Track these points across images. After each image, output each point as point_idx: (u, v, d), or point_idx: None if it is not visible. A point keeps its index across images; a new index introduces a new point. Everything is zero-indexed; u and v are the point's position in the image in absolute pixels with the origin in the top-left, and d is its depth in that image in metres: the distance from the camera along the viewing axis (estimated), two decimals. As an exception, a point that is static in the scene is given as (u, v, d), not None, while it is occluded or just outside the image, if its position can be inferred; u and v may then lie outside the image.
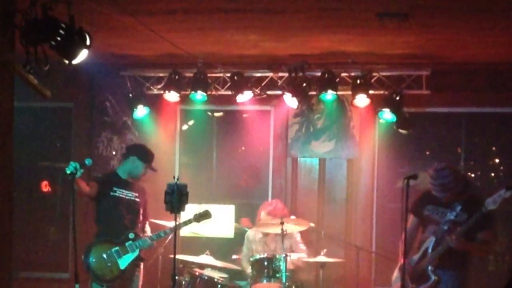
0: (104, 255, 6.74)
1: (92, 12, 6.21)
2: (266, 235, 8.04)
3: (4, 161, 4.63)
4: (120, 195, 6.97)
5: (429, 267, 6.29)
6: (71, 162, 6.17)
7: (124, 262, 6.81)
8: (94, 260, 6.76)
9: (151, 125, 9.10)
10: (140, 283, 7.13)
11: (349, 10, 6.30)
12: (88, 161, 6.56)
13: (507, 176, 9.05)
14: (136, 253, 6.88)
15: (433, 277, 6.28)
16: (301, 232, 8.03)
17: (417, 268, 6.33)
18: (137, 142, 9.02)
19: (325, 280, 7.79)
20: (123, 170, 7.13)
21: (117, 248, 6.79)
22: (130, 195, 7.03)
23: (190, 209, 7.75)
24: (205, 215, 7.23)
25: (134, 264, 6.93)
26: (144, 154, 7.21)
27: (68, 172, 6.09)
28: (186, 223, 7.13)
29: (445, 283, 6.30)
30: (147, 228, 7.24)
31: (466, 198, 6.25)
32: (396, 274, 6.71)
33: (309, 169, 9.01)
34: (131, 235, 6.86)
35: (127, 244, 6.84)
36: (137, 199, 7.06)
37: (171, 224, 7.16)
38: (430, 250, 6.32)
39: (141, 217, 7.11)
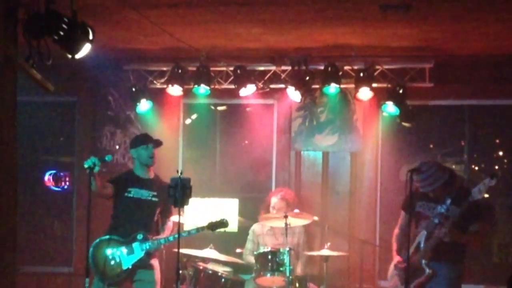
0: (109, 254, 6.66)
1: (94, 6, 6.22)
2: (274, 226, 8.05)
3: (7, 155, 4.64)
4: (135, 196, 6.84)
5: (423, 261, 6.32)
6: (91, 157, 6.28)
7: (127, 262, 6.71)
8: (98, 257, 6.68)
9: (154, 119, 9.09)
10: (154, 277, 6.92)
11: (352, 3, 6.30)
12: (108, 158, 6.59)
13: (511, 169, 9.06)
14: (141, 254, 6.72)
15: (427, 270, 6.31)
16: (305, 226, 8.03)
17: (411, 263, 6.33)
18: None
19: (329, 274, 7.79)
20: (137, 167, 6.98)
21: (123, 247, 6.70)
22: (146, 194, 6.87)
23: (194, 203, 7.81)
24: (220, 224, 6.87)
25: (138, 265, 6.76)
26: (136, 139, 7.12)
27: (86, 166, 6.20)
28: (199, 230, 6.85)
29: (440, 275, 6.33)
30: (169, 225, 7.07)
31: (456, 192, 6.28)
32: (390, 270, 6.76)
33: (313, 163, 9.00)
34: (139, 236, 6.72)
35: (133, 244, 6.73)
36: (154, 199, 6.89)
37: (173, 218, 7.17)
38: (422, 244, 6.35)
39: (155, 217, 6.94)
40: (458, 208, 6.18)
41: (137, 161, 6.97)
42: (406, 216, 6.61)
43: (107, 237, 6.76)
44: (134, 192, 6.86)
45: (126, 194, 6.86)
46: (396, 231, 6.82)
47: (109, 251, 6.65)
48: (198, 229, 6.86)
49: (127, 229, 6.76)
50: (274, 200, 8.01)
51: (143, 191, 6.89)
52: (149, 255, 6.78)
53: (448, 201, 6.26)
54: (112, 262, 6.67)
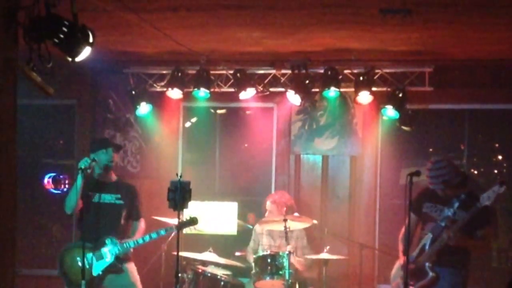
0: (78, 260, 6.59)
1: (95, 9, 6.21)
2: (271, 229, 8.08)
3: (7, 158, 4.63)
4: (98, 201, 6.81)
5: (427, 264, 6.30)
6: (85, 158, 6.43)
7: (97, 268, 6.69)
8: (68, 264, 6.68)
9: (154, 122, 9.11)
10: (130, 280, 6.91)
11: (352, 7, 6.29)
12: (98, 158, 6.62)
13: (511, 173, 9.05)
14: (111, 259, 6.72)
15: (430, 274, 6.29)
16: (304, 230, 8.03)
17: (415, 265, 6.33)
18: (139, 138, 9.11)
19: (328, 277, 7.79)
20: (97, 172, 6.93)
21: (91, 254, 6.66)
22: (109, 198, 6.87)
23: (193, 206, 7.80)
24: (189, 222, 6.91)
25: (108, 270, 6.75)
26: (95, 143, 7.12)
27: (82, 166, 6.34)
28: (167, 230, 6.88)
29: (444, 280, 6.31)
30: (141, 226, 7.05)
31: (465, 196, 6.25)
32: (394, 270, 6.74)
33: (312, 166, 9.01)
34: (107, 241, 6.71)
35: (102, 250, 6.71)
36: (117, 201, 6.90)
37: (173, 221, 7.17)
38: (427, 247, 6.34)
39: (122, 220, 6.92)
40: (465, 212, 6.15)
41: (97, 165, 6.88)
42: (413, 217, 6.56)
43: (76, 244, 6.71)
44: (97, 197, 6.83)
45: (88, 199, 6.81)
46: (403, 231, 6.78)
47: (78, 258, 6.56)
48: (167, 229, 6.87)
49: (95, 234, 6.70)
50: (267, 203, 8.10)
51: (105, 195, 6.87)
52: (119, 259, 6.77)
53: (456, 205, 6.24)
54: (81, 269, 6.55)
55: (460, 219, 6.16)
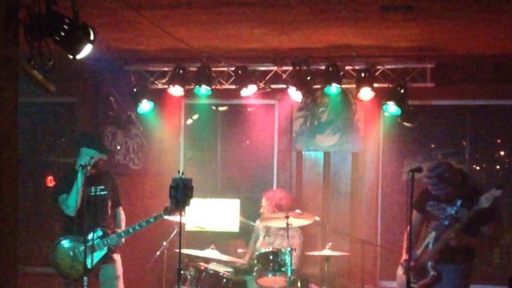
0: (71, 254, 6.61)
1: (96, 7, 6.21)
2: (268, 226, 8.12)
3: (9, 156, 4.63)
4: (83, 193, 6.62)
5: (429, 263, 6.28)
6: (86, 155, 6.49)
7: (91, 260, 6.65)
8: (61, 258, 6.68)
9: (155, 120, 9.10)
10: (117, 273, 6.92)
11: (354, 3, 6.29)
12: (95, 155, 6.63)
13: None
14: (104, 251, 6.73)
15: (432, 273, 6.27)
16: (306, 226, 8.02)
17: (418, 263, 6.32)
18: (141, 136, 9.10)
19: (330, 274, 7.79)
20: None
21: (82, 246, 6.56)
22: (94, 189, 6.82)
23: (195, 204, 7.81)
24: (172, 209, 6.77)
25: (101, 261, 6.75)
26: (89, 140, 6.94)
27: (83, 163, 6.38)
28: (157, 217, 6.83)
29: (447, 277, 6.29)
30: (121, 216, 7.11)
31: (467, 193, 6.21)
32: (400, 269, 6.74)
33: (314, 163, 9.00)
34: (98, 233, 6.67)
35: (95, 242, 6.64)
36: (102, 193, 6.89)
37: (175, 218, 7.17)
38: (430, 246, 6.32)
39: (109, 210, 6.93)
40: (467, 210, 6.10)
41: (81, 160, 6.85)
42: (418, 215, 6.54)
43: (67, 237, 6.68)
44: (84, 191, 6.71)
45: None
46: (408, 229, 6.78)
47: (71, 252, 6.59)
48: (156, 217, 6.84)
49: (85, 227, 6.55)
50: (263, 199, 8.25)
51: (91, 187, 6.79)
52: (111, 250, 6.82)
53: (459, 203, 6.17)
54: (76, 263, 6.63)
55: (462, 219, 6.13)
